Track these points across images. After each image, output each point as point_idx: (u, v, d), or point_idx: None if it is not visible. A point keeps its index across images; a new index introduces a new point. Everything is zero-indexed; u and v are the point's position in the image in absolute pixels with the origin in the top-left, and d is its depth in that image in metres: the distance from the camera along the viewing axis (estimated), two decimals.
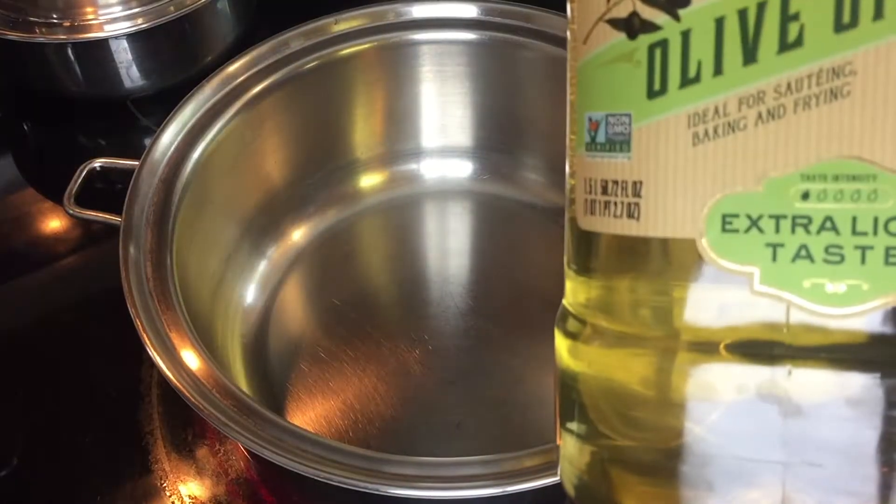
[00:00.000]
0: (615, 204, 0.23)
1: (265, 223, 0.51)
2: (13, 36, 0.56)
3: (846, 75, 0.20)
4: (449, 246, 0.53)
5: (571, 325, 0.25)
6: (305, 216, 0.53)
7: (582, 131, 0.24)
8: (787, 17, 0.20)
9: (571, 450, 0.25)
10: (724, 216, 0.21)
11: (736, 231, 0.21)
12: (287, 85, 0.49)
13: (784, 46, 0.20)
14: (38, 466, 0.43)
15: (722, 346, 0.22)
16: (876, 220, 0.20)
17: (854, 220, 0.20)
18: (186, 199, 0.44)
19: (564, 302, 0.26)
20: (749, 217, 0.21)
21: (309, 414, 0.44)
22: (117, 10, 0.56)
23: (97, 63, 0.58)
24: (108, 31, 0.56)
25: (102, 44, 0.57)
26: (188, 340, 0.38)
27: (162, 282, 0.40)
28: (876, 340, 0.21)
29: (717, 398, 0.22)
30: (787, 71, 0.21)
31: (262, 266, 0.51)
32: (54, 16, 0.56)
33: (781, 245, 0.21)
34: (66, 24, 0.56)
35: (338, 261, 0.52)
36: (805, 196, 0.21)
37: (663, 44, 0.22)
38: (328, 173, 0.54)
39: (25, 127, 0.63)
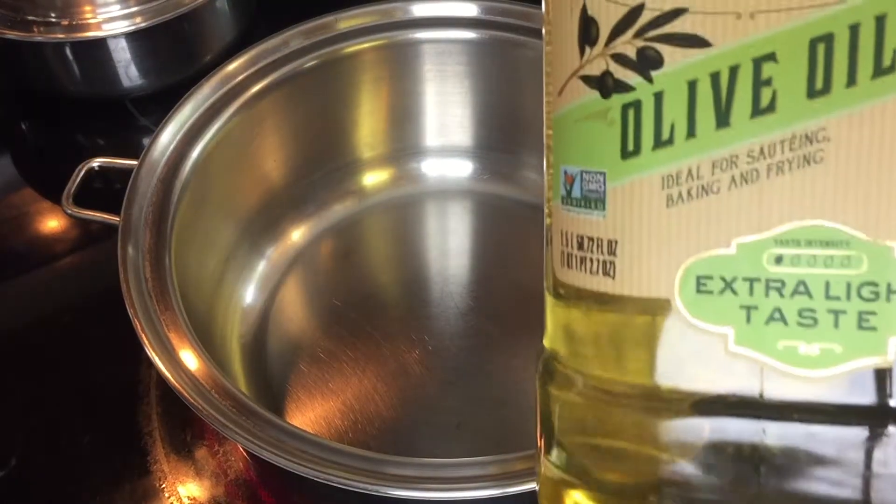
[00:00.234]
0: (591, 260, 0.23)
1: (264, 223, 0.51)
2: (11, 35, 0.56)
3: (819, 141, 0.20)
4: (449, 246, 0.53)
5: (549, 367, 0.25)
6: (305, 216, 0.53)
7: (558, 183, 0.24)
8: (759, 82, 0.20)
9: (550, 473, 0.25)
10: (698, 277, 0.21)
11: (710, 292, 0.21)
12: (286, 84, 0.49)
13: (757, 111, 0.21)
14: (37, 467, 0.43)
15: (696, 403, 0.22)
16: (849, 284, 0.21)
17: (827, 284, 0.21)
18: (185, 198, 0.44)
19: (544, 342, 0.25)
20: (723, 279, 0.21)
21: (308, 415, 0.44)
22: (116, 9, 0.56)
23: (95, 62, 0.58)
24: (107, 30, 0.56)
25: (101, 43, 0.57)
26: (187, 341, 0.38)
27: (161, 282, 0.40)
28: (849, 402, 0.21)
29: (692, 454, 0.22)
30: (760, 136, 0.21)
31: (262, 266, 0.51)
32: (52, 15, 0.56)
33: (755, 307, 0.21)
34: (65, 23, 0.56)
35: (337, 261, 0.52)
36: (778, 260, 0.21)
37: (636, 105, 0.22)
38: (328, 173, 0.54)
39: (24, 126, 0.63)
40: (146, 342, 0.37)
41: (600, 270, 0.23)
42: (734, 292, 0.21)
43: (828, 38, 0.20)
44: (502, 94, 0.53)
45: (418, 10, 0.51)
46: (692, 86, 0.21)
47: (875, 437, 0.21)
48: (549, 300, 0.25)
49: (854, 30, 0.20)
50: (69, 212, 0.45)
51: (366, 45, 0.51)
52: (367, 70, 0.52)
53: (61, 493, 0.42)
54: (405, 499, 0.33)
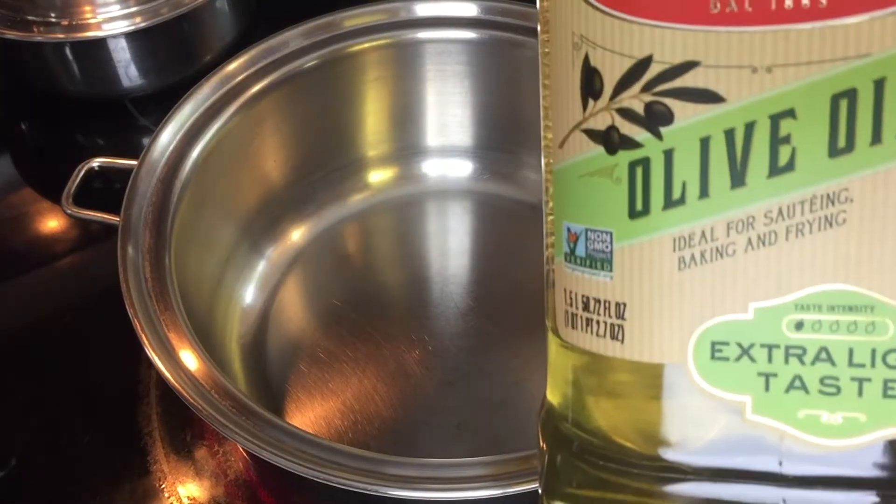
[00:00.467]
0: (597, 322, 0.22)
1: (264, 223, 0.51)
2: (11, 35, 0.56)
3: (842, 202, 0.19)
4: (449, 246, 0.53)
5: (552, 421, 0.24)
6: (305, 216, 0.53)
7: (560, 240, 0.23)
8: (777, 140, 0.19)
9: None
10: (713, 343, 0.20)
11: (726, 359, 0.20)
12: (286, 84, 0.49)
13: (775, 170, 0.19)
14: (37, 467, 0.43)
15: (712, 472, 0.21)
16: (874, 352, 0.20)
17: (851, 351, 0.20)
18: (185, 198, 0.44)
19: (547, 393, 0.24)
20: (740, 345, 0.20)
21: (308, 415, 0.44)
22: (115, 9, 0.56)
23: (95, 62, 0.58)
24: (107, 30, 0.56)
25: (100, 43, 0.57)
26: (187, 341, 0.38)
27: (160, 282, 0.40)
28: (873, 473, 0.20)
29: None
30: (778, 196, 0.20)
31: (262, 266, 0.51)
32: (52, 15, 0.56)
33: (774, 375, 0.20)
34: (65, 23, 0.56)
35: (337, 261, 0.52)
36: (799, 326, 0.20)
37: (645, 162, 0.20)
38: (327, 173, 0.54)
39: (23, 126, 0.63)
40: (146, 342, 0.37)
41: (608, 334, 0.22)
42: (752, 359, 0.20)
43: (851, 94, 0.19)
44: (502, 94, 0.53)
45: (418, 11, 0.51)
46: (705, 143, 0.20)
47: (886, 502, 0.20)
48: (554, 344, 0.24)
49: (879, 85, 0.18)
50: (69, 212, 0.45)
51: (365, 45, 0.51)
52: (366, 70, 0.52)
53: (61, 493, 0.42)
54: (405, 499, 0.33)
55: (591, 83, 0.21)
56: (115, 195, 0.44)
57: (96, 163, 0.47)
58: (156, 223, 0.42)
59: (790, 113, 0.19)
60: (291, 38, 0.50)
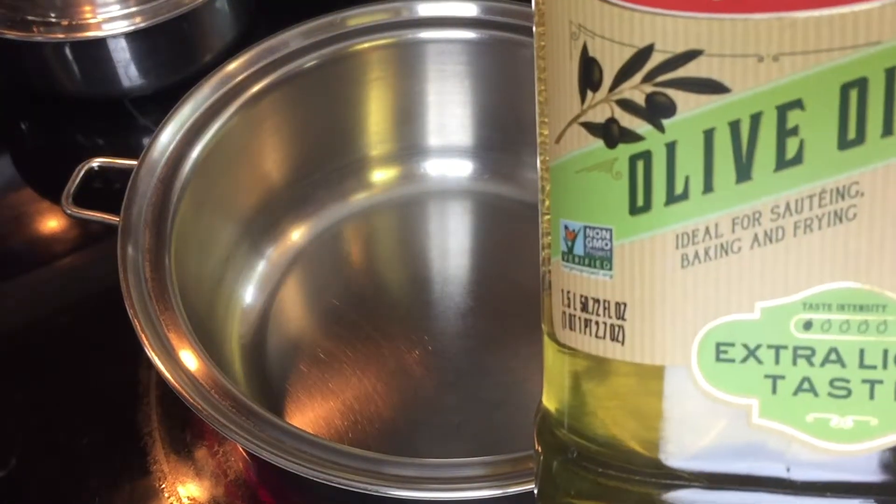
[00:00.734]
0: (596, 324, 0.21)
1: (264, 223, 0.51)
2: (11, 35, 0.56)
3: (852, 196, 0.18)
4: (449, 246, 0.53)
5: (547, 427, 0.23)
6: (305, 216, 0.53)
7: (557, 239, 0.22)
8: (784, 132, 0.18)
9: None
10: (717, 344, 0.20)
11: (731, 361, 0.20)
12: (286, 84, 0.49)
13: (782, 164, 0.19)
14: (36, 468, 0.43)
15: (715, 479, 0.20)
16: (886, 352, 0.19)
17: (862, 352, 0.19)
18: (185, 198, 0.44)
19: (543, 399, 0.24)
20: (746, 346, 0.19)
21: (308, 415, 0.44)
22: (115, 9, 0.56)
23: (95, 62, 0.58)
24: (107, 30, 0.56)
25: (100, 43, 0.56)
26: (187, 341, 0.38)
27: (160, 282, 0.40)
28: (884, 478, 0.19)
29: None
30: (785, 190, 0.19)
31: (261, 266, 0.51)
32: (52, 15, 0.56)
33: (782, 377, 0.19)
34: (64, 23, 0.56)
35: (337, 261, 0.52)
36: (807, 326, 0.19)
37: (646, 156, 0.20)
38: (327, 173, 0.54)
39: (23, 126, 0.63)
40: (146, 342, 0.37)
41: (607, 335, 0.21)
42: (758, 361, 0.19)
43: (861, 84, 0.18)
44: (502, 94, 0.53)
45: (418, 11, 0.51)
46: (709, 135, 0.19)
47: None
48: (550, 349, 0.23)
49: (890, 74, 0.18)
50: (69, 212, 0.45)
51: (366, 45, 0.51)
52: (366, 70, 0.52)
53: (61, 494, 0.42)
54: (405, 499, 0.33)
55: (589, 74, 0.20)
56: (114, 195, 0.44)
57: (96, 163, 0.47)
58: (156, 223, 0.42)
59: (798, 104, 0.18)
60: (291, 37, 0.50)
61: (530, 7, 0.53)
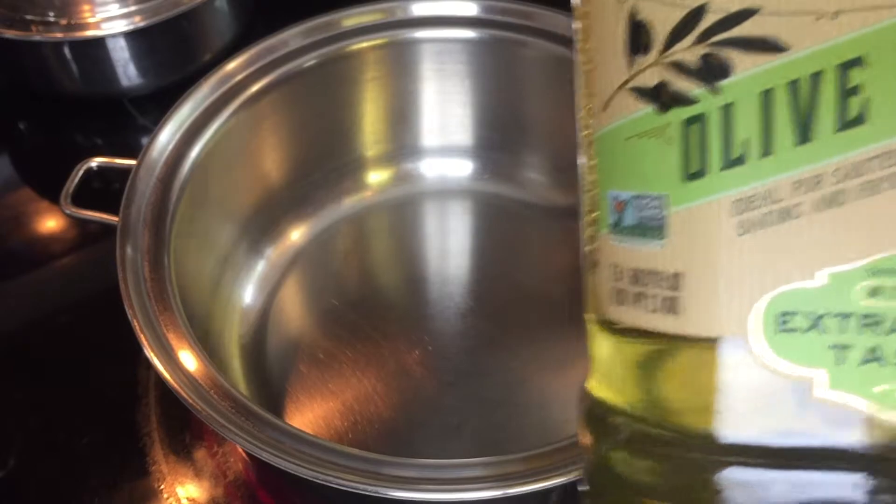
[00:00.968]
0: (649, 296, 0.20)
1: (263, 223, 0.51)
2: (9, 34, 0.56)
3: None
4: (449, 246, 0.53)
5: (595, 415, 0.22)
6: (304, 216, 0.53)
7: (605, 211, 0.21)
8: (846, 91, 0.18)
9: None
10: (779, 314, 0.19)
11: (794, 331, 0.19)
12: (285, 83, 0.49)
13: (844, 124, 0.18)
14: (35, 468, 0.43)
15: (777, 455, 0.19)
16: None
17: None
18: (184, 198, 0.44)
19: (588, 384, 0.23)
20: (808, 316, 0.19)
21: (308, 415, 0.44)
22: (114, 9, 0.56)
23: (94, 62, 0.58)
24: (105, 29, 0.56)
25: (99, 42, 0.56)
26: (186, 341, 0.37)
27: (159, 282, 0.40)
28: None
29: None
30: (848, 152, 0.18)
31: (261, 266, 0.50)
32: (51, 14, 0.56)
33: (848, 347, 0.19)
34: (63, 22, 0.56)
35: (337, 261, 0.52)
36: (873, 293, 0.18)
37: (700, 119, 0.19)
38: (327, 173, 0.53)
39: (21, 126, 0.63)
40: (145, 343, 0.37)
41: (661, 307, 0.20)
42: (822, 330, 0.19)
43: None
44: (502, 94, 0.53)
45: (418, 10, 0.51)
46: (767, 96, 0.18)
47: None
48: (597, 334, 0.22)
49: None
50: (67, 212, 0.44)
51: (365, 45, 0.51)
52: (366, 69, 0.52)
53: (60, 494, 0.42)
54: (405, 500, 0.33)
55: (637, 38, 0.20)
56: (113, 195, 0.43)
57: (95, 162, 0.47)
58: (155, 223, 0.42)
59: (859, 61, 0.18)
60: (290, 37, 0.50)
61: (530, 7, 0.53)
